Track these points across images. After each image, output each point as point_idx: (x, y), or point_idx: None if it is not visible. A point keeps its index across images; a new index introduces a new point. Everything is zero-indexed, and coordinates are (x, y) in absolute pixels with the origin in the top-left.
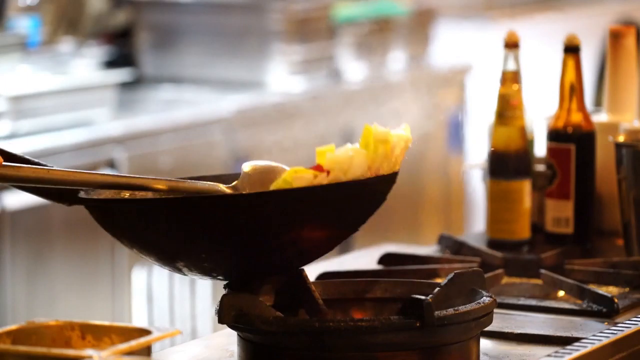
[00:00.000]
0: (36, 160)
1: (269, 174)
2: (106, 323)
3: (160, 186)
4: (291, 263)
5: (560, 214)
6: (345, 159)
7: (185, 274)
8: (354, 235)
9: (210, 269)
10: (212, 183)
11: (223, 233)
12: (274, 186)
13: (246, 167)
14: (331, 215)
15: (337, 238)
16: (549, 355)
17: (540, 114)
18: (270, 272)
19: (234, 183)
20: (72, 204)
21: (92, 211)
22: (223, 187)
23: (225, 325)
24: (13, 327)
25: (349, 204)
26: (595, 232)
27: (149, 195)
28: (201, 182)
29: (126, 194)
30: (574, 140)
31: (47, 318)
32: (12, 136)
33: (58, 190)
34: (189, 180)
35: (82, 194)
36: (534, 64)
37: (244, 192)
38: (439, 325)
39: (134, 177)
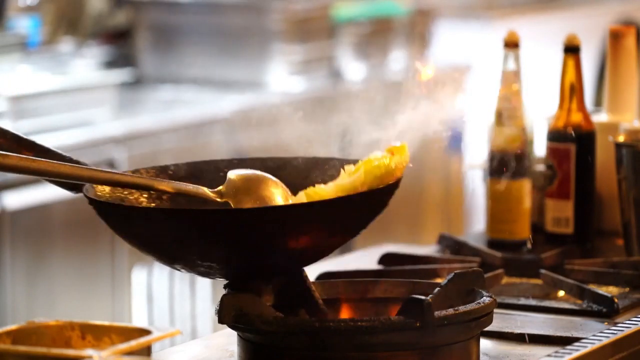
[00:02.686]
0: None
1: (253, 182)
2: (106, 323)
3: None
4: (292, 267)
5: (560, 214)
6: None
7: (183, 272)
8: None
9: (207, 273)
10: (197, 187)
11: (223, 245)
12: (306, 196)
13: (232, 174)
14: (330, 228)
15: (338, 243)
16: (549, 355)
17: (540, 114)
18: (269, 274)
19: (219, 188)
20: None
21: (96, 210)
22: (208, 192)
23: (225, 325)
24: (13, 327)
25: (349, 215)
26: (595, 232)
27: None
28: (188, 185)
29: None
30: (574, 140)
31: (47, 318)
32: None
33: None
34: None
35: (87, 191)
36: (534, 64)
37: (229, 198)
38: (439, 325)
39: (120, 173)
